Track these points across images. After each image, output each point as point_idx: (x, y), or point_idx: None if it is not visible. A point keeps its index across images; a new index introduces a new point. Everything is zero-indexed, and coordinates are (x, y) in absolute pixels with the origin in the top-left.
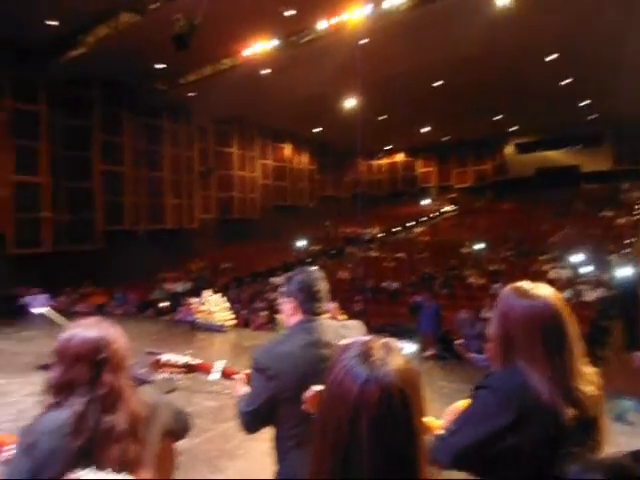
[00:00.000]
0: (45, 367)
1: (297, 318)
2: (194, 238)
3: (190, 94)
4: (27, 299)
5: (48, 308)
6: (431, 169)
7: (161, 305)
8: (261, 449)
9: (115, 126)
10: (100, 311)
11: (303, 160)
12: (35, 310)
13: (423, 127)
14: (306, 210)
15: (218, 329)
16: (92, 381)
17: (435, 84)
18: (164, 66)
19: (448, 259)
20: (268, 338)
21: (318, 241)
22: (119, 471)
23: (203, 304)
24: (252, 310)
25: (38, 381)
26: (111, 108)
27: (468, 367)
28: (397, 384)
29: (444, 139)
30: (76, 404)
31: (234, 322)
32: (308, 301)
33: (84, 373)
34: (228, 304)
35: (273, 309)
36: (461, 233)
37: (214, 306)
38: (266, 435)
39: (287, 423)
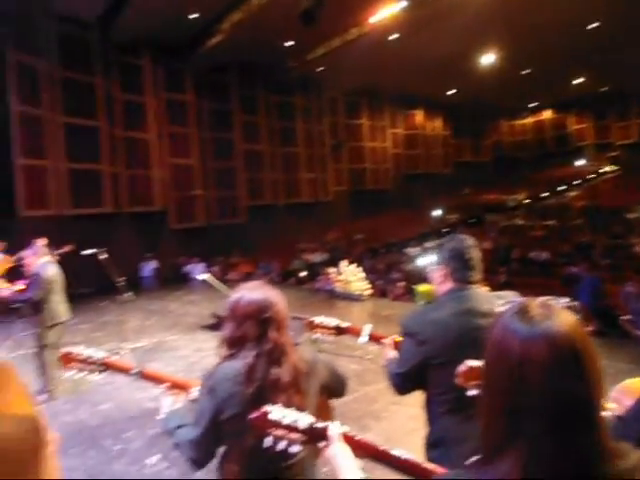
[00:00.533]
0: (208, 327)
1: (447, 286)
2: (329, 210)
3: (319, 68)
4: (188, 267)
5: (209, 275)
6: (586, 125)
7: (301, 274)
8: (405, 413)
9: (252, 107)
10: (248, 279)
11: (436, 125)
12: (198, 276)
13: (575, 79)
14: (441, 178)
15: (356, 298)
16: (259, 337)
17: (589, 26)
18: (293, 43)
19: (609, 226)
20: (407, 308)
21: (455, 210)
22: None
23: (340, 274)
24: (388, 280)
25: (202, 339)
26: (247, 90)
27: (635, 345)
28: (564, 337)
29: (601, 90)
30: (247, 357)
31: (371, 292)
32: (460, 269)
33: (252, 330)
34: (364, 274)
35: (410, 280)
36: (625, 196)
37: (351, 276)
38: (410, 400)
39: (438, 389)
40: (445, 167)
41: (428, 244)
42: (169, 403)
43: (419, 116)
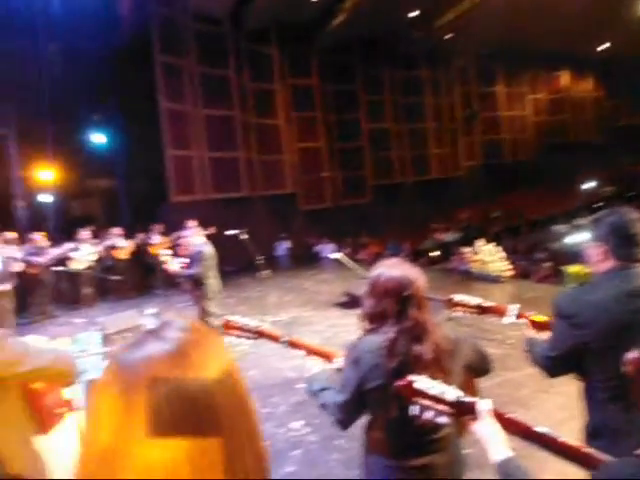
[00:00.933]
0: (341, 305)
1: (607, 265)
2: (461, 186)
3: (448, 36)
4: (319, 247)
5: (341, 254)
6: None
7: (432, 254)
8: (554, 402)
9: (376, 85)
10: (378, 260)
11: (585, 87)
12: (331, 255)
13: None
14: (592, 146)
15: (494, 279)
16: (399, 314)
17: None
18: (418, 13)
19: None
20: (553, 291)
21: (610, 182)
22: None
23: (476, 253)
24: (532, 261)
25: (336, 315)
26: (371, 68)
27: None
28: None
29: None
30: (388, 332)
31: (511, 273)
32: (622, 246)
33: (391, 307)
34: (504, 254)
35: (557, 260)
36: None
37: (488, 256)
38: (560, 389)
39: (598, 375)
40: (597, 134)
41: (579, 221)
42: (312, 367)
43: (565, 77)
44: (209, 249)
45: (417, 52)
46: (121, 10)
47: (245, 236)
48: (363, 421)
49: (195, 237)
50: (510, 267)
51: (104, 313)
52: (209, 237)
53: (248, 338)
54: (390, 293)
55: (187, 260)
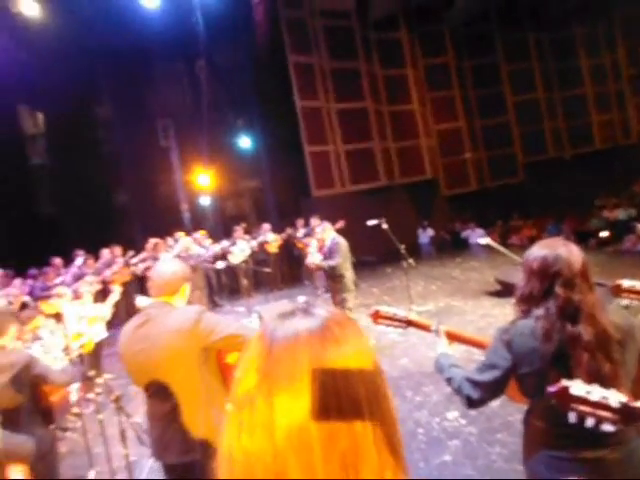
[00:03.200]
0: (493, 293)
1: None
2: (632, 155)
3: None
4: (466, 233)
5: (489, 240)
6: None
7: (601, 235)
8: None
9: (520, 52)
10: (532, 243)
11: None
12: (480, 241)
13: None
14: None
15: None
16: (546, 293)
17: None
18: None
19: None
20: None
21: None
22: (590, 382)
23: None
24: None
25: (488, 305)
26: (513, 35)
27: None
28: None
29: None
30: (537, 313)
31: None
32: None
33: (539, 286)
34: None
35: None
36: None
37: None
38: None
39: None
40: None
41: None
42: (442, 345)
43: None
44: (344, 242)
45: (567, 9)
46: (255, 19)
47: (385, 225)
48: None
49: (327, 231)
50: None
51: (259, 303)
52: (339, 231)
53: (397, 327)
54: (536, 272)
55: (324, 254)
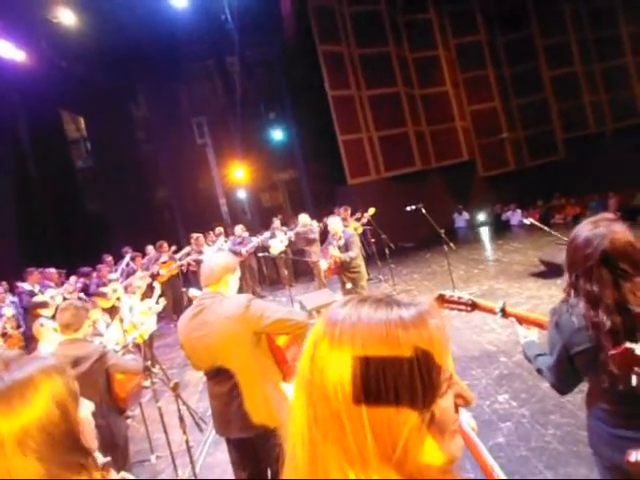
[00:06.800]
0: (538, 275)
1: None
2: None
3: None
4: (507, 214)
5: (530, 220)
6: None
7: None
8: None
9: (556, 25)
10: (576, 221)
11: None
12: (525, 220)
13: None
14: None
15: None
16: (590, 271)
17: None
18: None
19: None
20: None
21: None
22: None
23: None
24: None
25: (534, 286)
26: (549, 6)
27: None
28: None
29: None
30: (582, 291)
31: None
32: None
33: (582, 265)
34: None
35: None
36: None
37: None
38: None
39: None
40: None
41: None
42: (523, 333)
43: None
44: (355, 234)
45: None
46: (283, 11)
47: (423, 210)
48: (579, 397)
49: (346, 223)
50: None
51: (300, 292)
52: (367, 223)
53: (461, 311)
54: (578, 250)
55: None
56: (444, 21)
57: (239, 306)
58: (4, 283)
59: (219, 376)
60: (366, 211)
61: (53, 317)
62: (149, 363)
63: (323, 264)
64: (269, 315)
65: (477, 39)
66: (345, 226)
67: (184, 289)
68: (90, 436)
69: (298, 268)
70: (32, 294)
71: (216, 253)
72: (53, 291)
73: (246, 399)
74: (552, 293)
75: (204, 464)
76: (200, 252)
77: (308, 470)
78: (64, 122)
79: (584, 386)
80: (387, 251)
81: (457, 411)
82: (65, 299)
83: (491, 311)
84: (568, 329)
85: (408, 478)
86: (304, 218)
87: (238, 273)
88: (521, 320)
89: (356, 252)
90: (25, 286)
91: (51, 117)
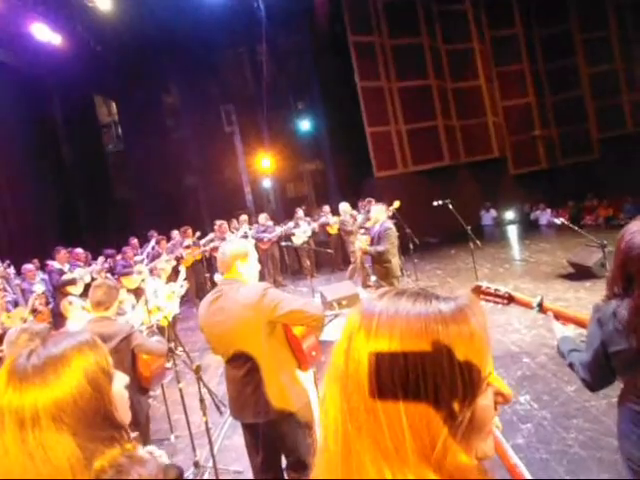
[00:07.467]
0: (565, 276)
1: None
2: None
3: None
4: (536, 214)
5: (561, 220)
6: None
7: None
8: None
9: (597, 19)
10: (609, 223)
11: None
12: (555, 220)
13: None
14: None
15: None
16: (630, 278)
17: None
18: None
19: None
20: None
21: None
22: None
23: None
24: None
25: (561, 288)
26: (588, 0)
27: None
28: None
29: None
30: (624, 294)
31: None
32: None
33: (623, 270)
34: None
35: None
36: None
37: None
38: None
39: None
40: None
41: None
42: (560, 328)
43: None
44: (394, 228)
45: None
46: (315, 2)
47: (450, 206)
48: (604, 403)
49: (381, 213)
50: None
51: (321, 283)
52: (392, 216)
53: (497, 304)
54: (622, 256)
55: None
56: (479, 12)
57: (255, 294)
58: (35, 260)
59: (235, 361)
60: (391, 204)
61: (81, 295)
62: (172, 345)
63: (362, 240)
64: (284, 306)
65: (513, 32)
66: (367, 219)
67: (207, 274)
68: (123, 409)
69: (320, 259)
70: (62, 272)
71: (230, 241)
72: (82, 270)
73: (261, 384)
74: (579, 296)
75: (222, 446)
76: (223, 239)
77: (342, 464)
78: (96, 106)
79: (610, 391)
80: (411, 245)
81: (496, 409)
82: (93, 279)
83: (528, 305)
84: (610, 327)
85: (447, 478)
86: (345, 206)
87: (252, 260)
88: (558, 316)
89: (386, 247)
90: (55, 264)
91: (84, 101)
